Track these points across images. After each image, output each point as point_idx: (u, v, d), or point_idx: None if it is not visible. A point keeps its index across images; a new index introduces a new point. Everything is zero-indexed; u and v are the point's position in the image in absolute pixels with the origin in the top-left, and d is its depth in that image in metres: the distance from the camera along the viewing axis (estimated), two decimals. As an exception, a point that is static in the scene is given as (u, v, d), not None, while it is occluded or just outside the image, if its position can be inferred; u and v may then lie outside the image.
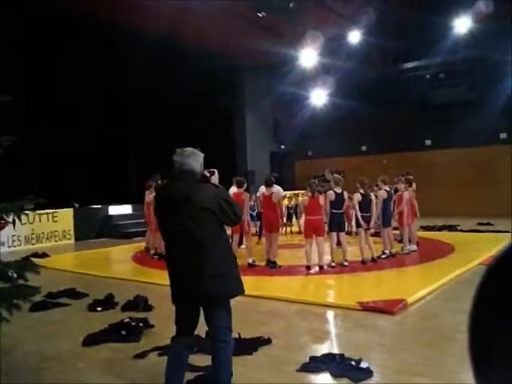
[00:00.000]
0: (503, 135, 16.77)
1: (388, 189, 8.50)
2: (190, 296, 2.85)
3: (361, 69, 17.24)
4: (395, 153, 18.64)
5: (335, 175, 7.79)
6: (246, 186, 8.18)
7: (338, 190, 7.51)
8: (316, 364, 3.65)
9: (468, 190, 17.00)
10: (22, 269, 3.43)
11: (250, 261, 7.90)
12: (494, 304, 0.44)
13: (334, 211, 7.43)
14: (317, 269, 7.40)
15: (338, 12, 15.05)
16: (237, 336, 3.87)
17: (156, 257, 9.30)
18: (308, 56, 16.37)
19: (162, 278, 7.47)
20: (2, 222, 3.84)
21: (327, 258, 7.61)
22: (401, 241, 9.10)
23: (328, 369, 3.57)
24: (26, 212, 4.04)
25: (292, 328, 4.89)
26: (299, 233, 13.09)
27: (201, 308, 2.97)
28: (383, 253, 8.23)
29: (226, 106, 18.34)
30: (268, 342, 4.27)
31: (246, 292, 6.10)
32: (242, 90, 19.47)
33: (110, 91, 14.41)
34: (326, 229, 7.64)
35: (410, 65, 16.76)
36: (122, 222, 13.99)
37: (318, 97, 18.91)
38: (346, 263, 7.59)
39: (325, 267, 7.42)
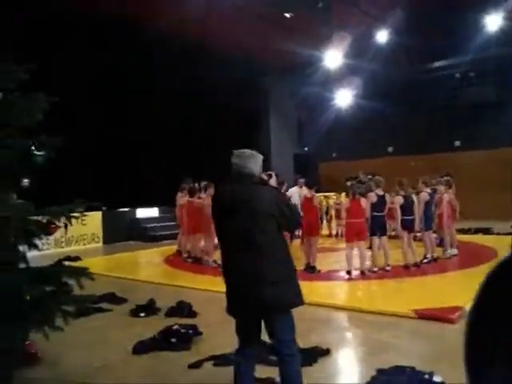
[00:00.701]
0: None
1: (429, 190, 8.21)
2: (249, 305, 2.67)
3: (387, 69, 16.92)
4: (423, 154, 18.26)
5: (376, 177, 7.55)
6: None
7: (380, 192, 7.27)
8: (385, 377, 3.43)
9: (498, 192, 16.52)
10: (75, 275, 3.29)
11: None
12: (492, 319, 0.42)
13: (376, 214, 7.19)
14: (357, 273, 7.16)
15: (365, 11, 14.81)
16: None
17: (190, 260, 9.18)
18: (333, 57, 16.14)
19: (199, 282, 7.45)
20: (53, 226, 3.71)
21: (367, 263, 7.37)
22: (440, 244, 8.80)
23: (399, 383, 3.35)
24: (76, 215, 3.92)
25: (347, 337, 4.68)
26: (329, 236, 12.89)
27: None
28: (425, 257, 7.95)
29: (251, 108, 18.19)
30: (326, 352, 4.06)
31: None
32: (267, 91, 19.31)
33: (133, 92, 14.31)
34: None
35: (437, 64, 16.37)
36: (149, 225, 13.93)
37: (343, 98, 18.64)
38: (388, 268, 7.35)
39: (366, 272, 7.19)
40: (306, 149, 21.13)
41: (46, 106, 3.29)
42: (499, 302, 0.43)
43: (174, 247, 11.29)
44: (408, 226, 7.45)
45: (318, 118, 19.59)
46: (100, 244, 13.15)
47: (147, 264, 9.68)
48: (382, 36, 15.78)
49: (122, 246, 12.40)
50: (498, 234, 12.13)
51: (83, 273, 3.29)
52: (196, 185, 9.45)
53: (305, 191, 9.94)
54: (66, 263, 3.41)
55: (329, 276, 7.32)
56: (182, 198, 9.21)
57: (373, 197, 7.19)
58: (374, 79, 17.20)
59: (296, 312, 5.62)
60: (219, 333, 4.78)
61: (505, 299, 0.43)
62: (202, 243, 8.95)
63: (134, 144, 14.40)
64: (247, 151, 2.86)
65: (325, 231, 12.83)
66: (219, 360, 3.90)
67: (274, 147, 19.67)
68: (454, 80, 16.66)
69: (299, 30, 15.22)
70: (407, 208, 7.42)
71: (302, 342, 4.25)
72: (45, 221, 3.68)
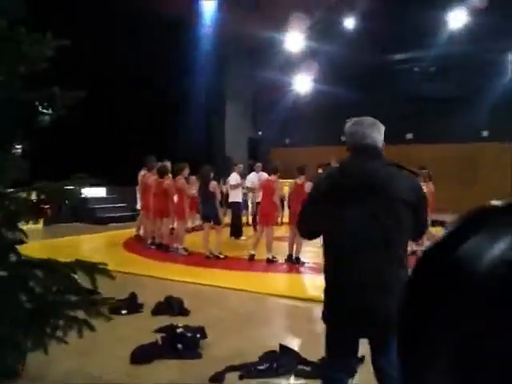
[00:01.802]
0: (485, 133, 16.92)
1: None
2: (368, 320, 2.08)
3: (350, 56, 16.76)
4: (376, 145, 18.38)
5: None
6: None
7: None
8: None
9: (449, 186, 17.04)
10: (90, 271, 2.55)
11: (270, 256, 7.18)
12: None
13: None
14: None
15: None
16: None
17: (153, 247, 8.36)
18: (294, 39, 15.70)
19: (174, 272, 6.67)
20: (46, 207, 2.89)
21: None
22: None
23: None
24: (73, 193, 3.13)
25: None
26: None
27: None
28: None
29: (207, 91, 17.31)
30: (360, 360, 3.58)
31: (286, 293, 5.43)
32: (223, 74, 18.47)
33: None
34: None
35: (400, 56, 16.42)
36: (97, 206, 12.78)
37: (302, 83, 18.28)
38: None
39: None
40: (260, 133, 20.62)
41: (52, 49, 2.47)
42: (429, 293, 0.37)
43: (128, 231, 10.39)
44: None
45: (274, 102, 19.11)
46: (40, 225, 11.81)
47: (105, 250, 8.69)
48: (347, 22, 15.55)
49: (66, 228, 11.19)
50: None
51: (99, 269, 2.55)
52: (169, 164, 8.62)
53: (264, 176, 9.53)
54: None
55: (318, 269, 6.87)
56: (149, 178, 8.33)
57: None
58: (335, 65, 16.99)
59: (302, 311, 5.17)
60: (224, 336, 4.18)
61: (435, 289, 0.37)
62: (167, 228, 8.19)
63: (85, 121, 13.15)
64: (368, 118, 2.28)
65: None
66: (244, 371, 3.30)
67: (229, 130, 18.97)
68: (413, 74, 16.83)
69: (257, 11, 14.61)
70: None
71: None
72: (34, 200, 2.85)
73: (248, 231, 9.96)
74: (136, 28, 13.03)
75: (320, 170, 10.53)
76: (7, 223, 2.64)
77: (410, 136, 18.37)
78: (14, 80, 2.42)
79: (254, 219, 10.37)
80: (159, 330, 4.06)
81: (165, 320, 4.42)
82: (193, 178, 8.43)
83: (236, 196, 9.02)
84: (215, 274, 6.47)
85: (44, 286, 2.46)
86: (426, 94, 16.56)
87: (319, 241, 8.04)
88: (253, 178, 9.69)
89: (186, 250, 7.71)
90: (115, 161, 13.79)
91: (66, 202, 2.97)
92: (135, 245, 8.79)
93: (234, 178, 9.33)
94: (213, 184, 7.18)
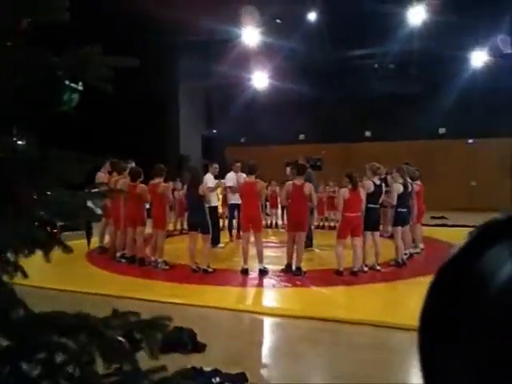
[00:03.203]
0: (442, 130, 17.12)
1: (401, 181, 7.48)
2: None
3: (310, 52, 16.30)
4: (334, 143, 18.12)
5: (373, 163, 6.56)
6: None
7: (377, 181, 6.33)
8: None
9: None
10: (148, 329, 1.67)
11: (262, 267, 6.39)
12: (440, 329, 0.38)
13: (371, 206, 6.24)
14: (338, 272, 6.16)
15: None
16: None
17: (124, 260, 7.29)
18: (250, 34, 14.97)
19: (159, 291, 5.65)
20: (55, 231, 1.97)
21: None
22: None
23: None
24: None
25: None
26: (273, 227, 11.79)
27: None
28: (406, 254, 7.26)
29: (159, 85, 16.14)
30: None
31: (283, 310, 4.68)
32: (176, 68, 17.37)
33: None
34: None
35: (359, 52, 16.16)
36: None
37: (259, 79, 17.57)
38: (378, 267, 6.47)
39: (358, 273, 6.22)
40: (215, 131, 19.71)
41: None
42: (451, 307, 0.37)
43: (82, 242, 9.18)
44: (404, 219, 6.67)
45: (229, 99, 18.29)
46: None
47: (66, 265, 7.41)
48: (309, 17, 15.04)
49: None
50: (427, 225, 12.22)
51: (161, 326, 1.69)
52: (134, 165, 7.57)
53: (243, 177, 8.75)
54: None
55: (317, 278, 6.17)
56: (118, 182, 7.24)
57: (370, 186, 6.22)
58: (293, 61, 16.48)
59: (313, 332, 4.44)
60: (265, 376, 3.36)
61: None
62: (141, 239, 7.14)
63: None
64: None
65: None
66: None
67: (183, 127, 17.91)
68: (372, 70, 16.66)
69: (211, 3, 13.76)
70: (403, 199, 6.59)
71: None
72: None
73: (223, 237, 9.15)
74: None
75: (288, 169, 9.90)
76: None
77: (368, 134, 18.29)
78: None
79: (230, 223, 9.53)
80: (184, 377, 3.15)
81: (178, 359, 3.53)
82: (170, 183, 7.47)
83: (213, 200, 8.15)
84: (209, 292, 5.59)
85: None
86: (384, 91, 16.45)
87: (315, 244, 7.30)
88: (233, 178, 8.83)
89: (166, 263, 6.74)
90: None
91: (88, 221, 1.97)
92: (101, 258, 7.65)
93: (210, 179, 8.44)
94: (203, 187, 6.28)
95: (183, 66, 17.51)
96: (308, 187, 6.15)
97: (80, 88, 1.53)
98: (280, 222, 11.65)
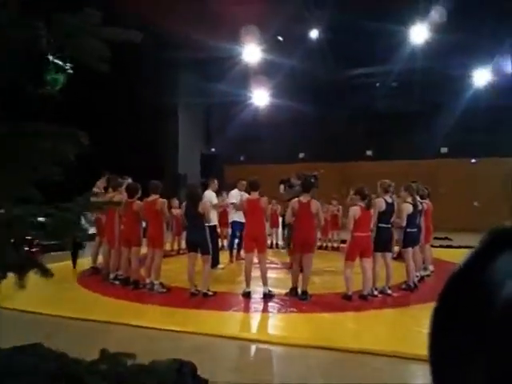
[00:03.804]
0: (444, 149, 16.88)
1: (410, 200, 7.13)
2: None
3: (310, 70, 16.16)
4: (335, 162, 17.84)
5: (384, 180, 6.23)
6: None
7: (389, 199, 5.98)
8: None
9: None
10: None
11: (266, 290, 5.99)
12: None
13: (382, 226, 5.88)
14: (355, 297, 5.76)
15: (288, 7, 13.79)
16: None
17: (117, 282, 6.87)
18: (251, 52, 14.82)
19: (156, 316, 5.18)
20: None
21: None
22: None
23: None
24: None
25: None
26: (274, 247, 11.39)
27: None
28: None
29: (159, 102, 15.92)
30: None
31: (290, 339, 4.27)
32: (176, 85, 17.18)
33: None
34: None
35: (361, 71, 16.00)
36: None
37: (260, 97, 17.37)
38: (389, 291, 6.08)
39: (368, 297, 5.83)
40: (214, 149, 19.43)
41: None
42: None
43: (67, 263, 8.82)
44: (414, 240, 6.31)
45: (229, 117, 18.06)
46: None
47: (57, 289, 6.96)
48: (311, 35, 14.92)
49: None
50: (433, 246, 11.89)
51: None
52: (130, 181, 7.21)
53: (245, 195, 8.41)
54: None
55: (325, 303, 5.77)
56: (114, 198, 6.87)
57: (382, 204, 5.87)
58: (295, 80, 16.32)
59: (320, 361, 4.04)
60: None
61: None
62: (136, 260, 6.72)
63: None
64: None
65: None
66: None
67: (182, 145, 17.63)
68: (374, 89, 16.50)
69: (213, 20, 13.64)
70: (413, 218, 6.24)
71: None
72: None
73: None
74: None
75: (282, 186, 9.57)
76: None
77: (369, 153, 18.04)
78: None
79: (231, 243, 9.13)
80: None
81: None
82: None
83: (212, 218, 7.78)
84: (209, 318, 5.17)
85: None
86: (386, 110, 16.26)
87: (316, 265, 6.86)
88: (236, 196, 8.48)
89: (163, 285, 6.33)
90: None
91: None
92: (94, 280, 7.23)
93: (213, 196, 8.10)
94: (204, 204, 5.91)
95: (183, 82, 17.34)
96: (315, 205, 5.80)
97: (67, 68, 1.19)
98: (280, 243, 11.26)
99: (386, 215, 5.90)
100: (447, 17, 13.51)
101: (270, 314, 5.31)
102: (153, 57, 14.14)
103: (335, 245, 10.89)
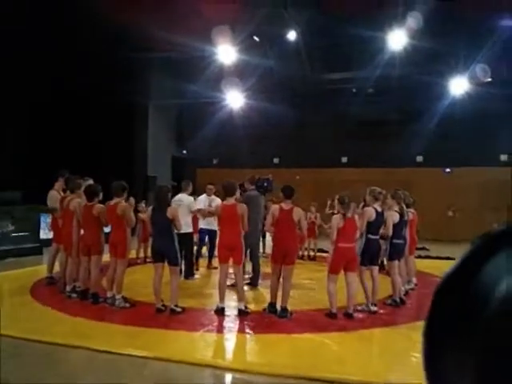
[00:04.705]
0: (420, 158, 16.73)
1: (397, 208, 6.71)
2: None
3: (286, 73, 15.73)
4: (310, 168, 17.47)
5: (373, 187, 5.74)
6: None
7: (379, 209, 5.50)
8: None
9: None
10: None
11: (242, 307, 5.40)
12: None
13: (371, 237, 5.39)
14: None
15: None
16: None
17: (75, 295, 6.13)
18: (225, 51, 14.28)
19: (118, 337, 4.45)
20: None
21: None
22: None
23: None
24: None
25: None
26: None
27: None
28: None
29: (128, 102, 15.13)
30: None
31: (269, 367, 3.73)
32: (146, 85, 16.42)
33: None
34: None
35: (338, 75, 15.65)
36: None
37: (234, 99, 16.80)
38: (375, 308, 5.58)
39: (354, 314, 5.32)
40: (186, 152, 18.72)
41: None
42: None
43: (31, 269, 8.07)
44: (400, 252, 5.85)
45: (202, 118, 17.41)
46: None
47: (7, 302, 6.12)
48: (289, 37, 14.49)
49: None
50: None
51: None
52: (91, 182, 6.50)
53: (217, 200, 7.88)
54: None
55: (305, 321, 5.22)
56: (71, 201, 6.15)
57: (371, 214, 5.38)
58: (272, 81, 15.86)
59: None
60: None
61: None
62: (96, 270, 6.01)
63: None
64: None
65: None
66: None
67: (151, 147, 16.87)
68: (351, 94, 16.18)
69: (185, 19, 13.06)
70: (400, 229, 5.79)
71: None
72: None
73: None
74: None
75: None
76: None
77: (344, 159, 17.71)
78: None
79: (199, 251, 8.49)
80: None
81: None
82: (131, 199, 6.46)
83: (188, 225, 7.14)
84: (176, 340, 4.53)
85: None
86: (362, 116, 15.97)
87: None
88: (204, 201, 7.89)
89: (126, 300, 5.65)
90: (14, 175, 11.19)
91: None
92: (49, 292, 6.47)
93: (190, 200, 7.50)
94: (172, 209, 5.27)
95: (154, 82, 16.61)
96: (297, 212, 5.27)
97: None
98: (261, 251, 10.69)
99: (374, 226, 5.41)
100: (425, 24, 13.35)
101: (246, 336, 4.72)
102: (123, 56, 13.41)
103: (311, 253, 10.39)
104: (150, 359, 3.98)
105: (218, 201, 7.97)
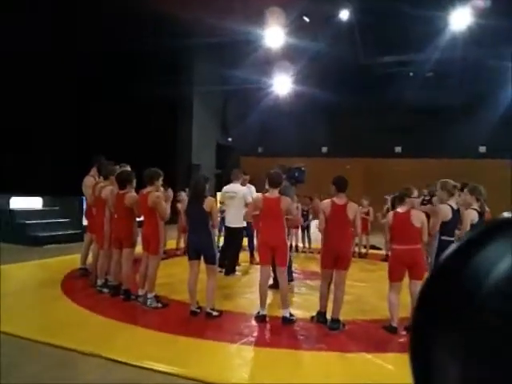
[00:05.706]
0: (482, 148, 15.36)
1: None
2: None
3: (337, 56, 14.73)
4: (360, 157, 16.48)
5: (444, 180, 4.88)
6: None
7: (454, 206, 4.63)
8: None
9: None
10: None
11: (287, 314, 4.74)
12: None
13: (445, 238, 4.52)
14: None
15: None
16: None
17: (106, 290, 5.68)
18: (272, 34, 13.50)
19: (146, 347, 3.78)
20: None
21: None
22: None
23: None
24: None
25: None
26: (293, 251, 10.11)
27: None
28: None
29: (172, 90, 14.69)
30: None
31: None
32: (191, 71, 15.91)
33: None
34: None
35: (393, 58, 14.49)
36: (29, 222, 9.86)
37: (281, 84, 16.02)
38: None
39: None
40: (231, 140, 18.16)
41: None
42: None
43: (69, 258, 7.74)
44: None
45: (248, 105, 16.77)
46: None
47: (32, 296, 5.77)
48: (339, 18, 13.53)
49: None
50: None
51: None
52: (129, 169, 6.01)
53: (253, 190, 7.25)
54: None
55: (366, 338, 4.47)
56: (104, 189, 5.67)
57: (447, 212, 4.52)
58: (321, 65, 14.92)
59: None
60: None
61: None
62: (128, 264, 5.50)
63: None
64: None
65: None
66: None
67: (196, 135, 16.40)
68: (407, 79, 14.99)
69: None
70: (453, 224, 4.82)
71: None
72: None
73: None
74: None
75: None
76: None
77: (398, 149, 16.58)
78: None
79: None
80: None
81: None
82: (169, 190, 5.92)
83: (234, 218, 6.54)
84: (210, 354, 3.91)
85: None
86: (420, 102, 14.75)
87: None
88: (251, 193, 7.24)
89: (158, 299, 5.11)
90: (55, 164, 11.05)
91: None
92: (80, 285, 6.06)
93: (246, 192, 6.91)
94: (209, 201, 4.66)
95: (198, 69, 16.09)
96: (353, 208, 4.52)
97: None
98: (301, 245, 9.98)
99: (449, 225, 4.53)
100: (492, 1, 12.05)
101: (291, 352, 4.03)
102: (166, 42, 12.95)
103: (363, 250, 9.56)
104: (178, 377, 3.39)
105: (254, 191, 7.37)
